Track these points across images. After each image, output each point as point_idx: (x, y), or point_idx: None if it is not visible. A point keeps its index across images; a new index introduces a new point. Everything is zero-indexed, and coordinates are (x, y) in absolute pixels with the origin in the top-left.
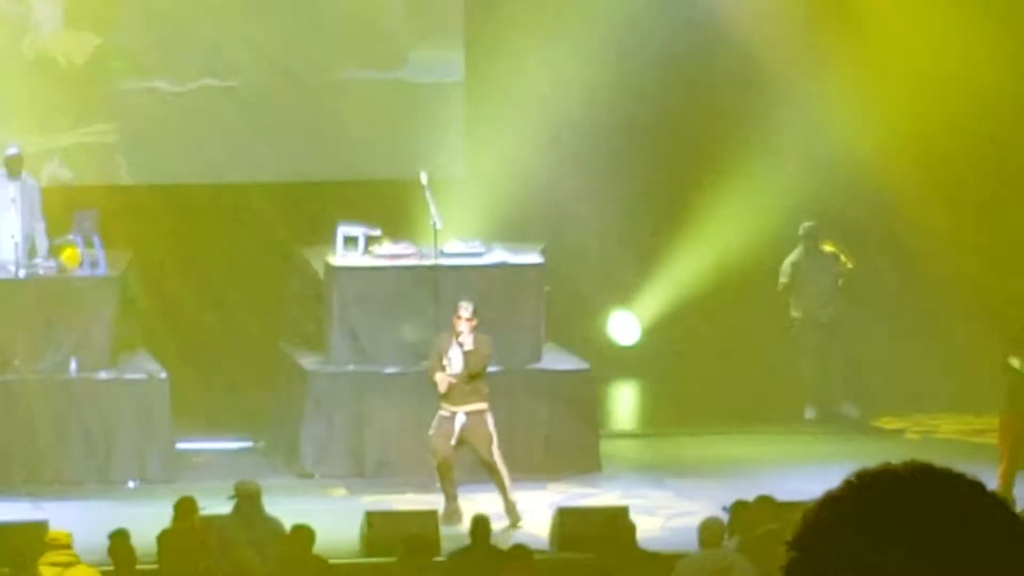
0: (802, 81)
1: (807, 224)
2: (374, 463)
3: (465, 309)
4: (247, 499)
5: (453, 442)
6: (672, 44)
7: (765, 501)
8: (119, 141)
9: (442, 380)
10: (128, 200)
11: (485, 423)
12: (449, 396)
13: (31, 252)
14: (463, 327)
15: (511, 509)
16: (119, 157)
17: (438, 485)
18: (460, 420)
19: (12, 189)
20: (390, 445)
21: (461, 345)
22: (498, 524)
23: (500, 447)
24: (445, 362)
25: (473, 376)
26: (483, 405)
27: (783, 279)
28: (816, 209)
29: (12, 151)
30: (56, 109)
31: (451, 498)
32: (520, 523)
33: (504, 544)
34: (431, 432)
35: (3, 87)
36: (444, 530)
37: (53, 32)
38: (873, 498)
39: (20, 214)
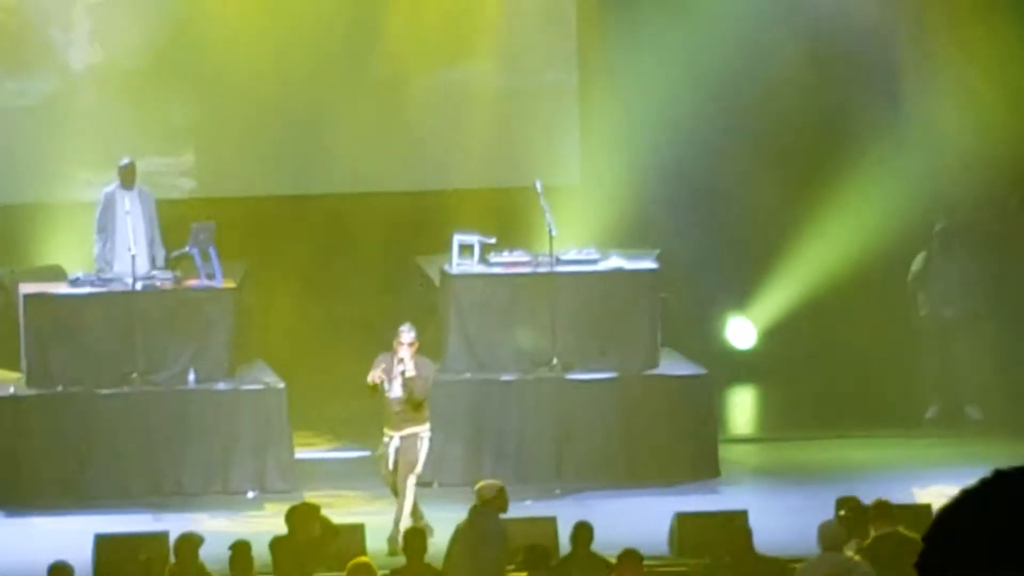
0: (929, 76)
1: (941, 223)
2: (491, 471)
3: (406, 334)
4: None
5: (391, 467)
6: (789, 43)
7: (883, 504)
8: (241, 154)
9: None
10: (245, 211)
11: (415, 447)
12: (391, 421)
13: (151, 262)
14: (404, 352)
15: (395, 537)
16: (240, 169)
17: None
18: (395, 444)
19: (127, 200)
20: (507, 453)
21: (404, 372)
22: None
23: (418, 472)
24: (385, 385)
25: (417, 403)
26: (420, 428)
27: (913, 277)
28: (943, 208)
29: (125, 162)
30: (182, 123)
31: (417, 517)
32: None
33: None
34: (374, 458)
35: (129, 101)
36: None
37: None
38: (1009, 496)
39: (136, 225)
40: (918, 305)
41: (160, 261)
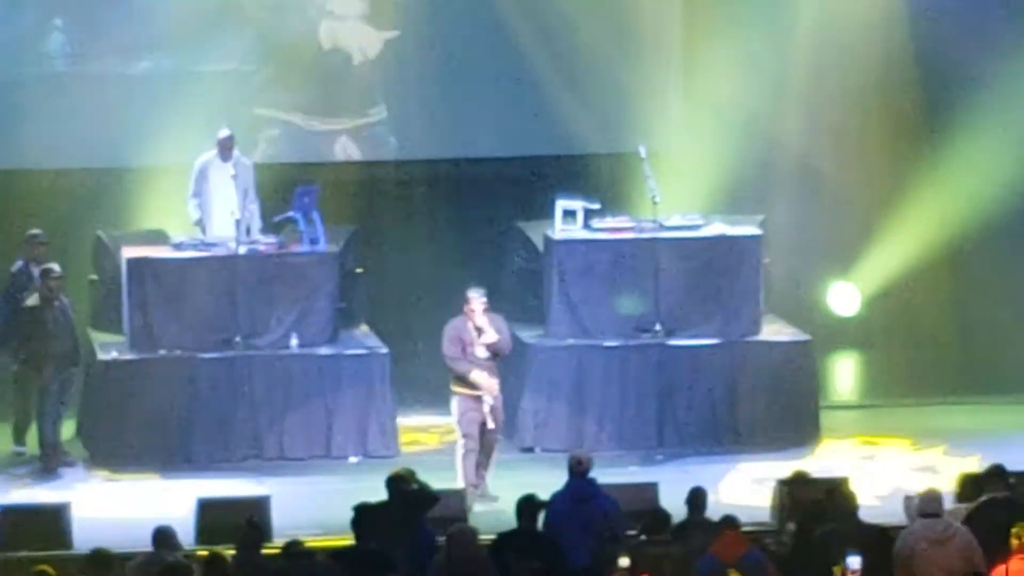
0: None
1: None
2: (594, 436)
3: (477, 299)
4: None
5: (479, 426)
6: (893, 7)
7: (993, 471)
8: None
9: (488, 385)
10: (349, 176)
11: (501, 406)
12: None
13: (247, 230)
14: (479, 318)
15: (484, 487)
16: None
17: (460, 469)
18: (488, 403)
19: (230, 168)
20: (610, 418)
21: (481, 332)
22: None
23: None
24: (461, 355)
25: (497, 357)
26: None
27: None
28: None
29: (225, 135)
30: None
31: (480, 479)
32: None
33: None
34: (456, 416)
35: (295, 69)
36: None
37: (355, 25)
38: None
39: (231, 195)
40: None
41: (257, 229)
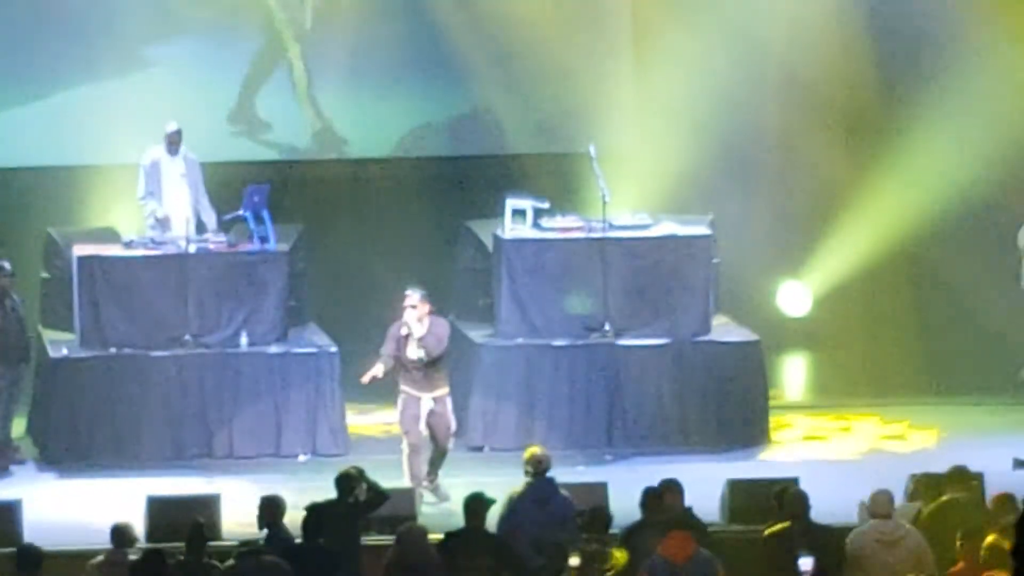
0: (987, 39)
1: None
2: (543, 436)
3: (411, 296)
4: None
5: (421, 426)
6: (845, 4)
7: (954, 471)
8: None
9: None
10: (298, 174)
11: (447, 408)
12: (415, 383)
13: (198, 227)
14: (409, 315)
15: (435, 481)
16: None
17: (406, 468)
18: (427, 405)
19: (180, 165)
20: (559, 418)
21: (412, 333)
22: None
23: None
24: (399, 353)
25: (433, 360)
26: (446, 390)
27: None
28: (996, 179)
29: (173, 129)
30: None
31: (429, 477)
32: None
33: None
34: (398, 415)
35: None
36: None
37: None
38: None
39: (182, 191)
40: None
41: (213, 225)
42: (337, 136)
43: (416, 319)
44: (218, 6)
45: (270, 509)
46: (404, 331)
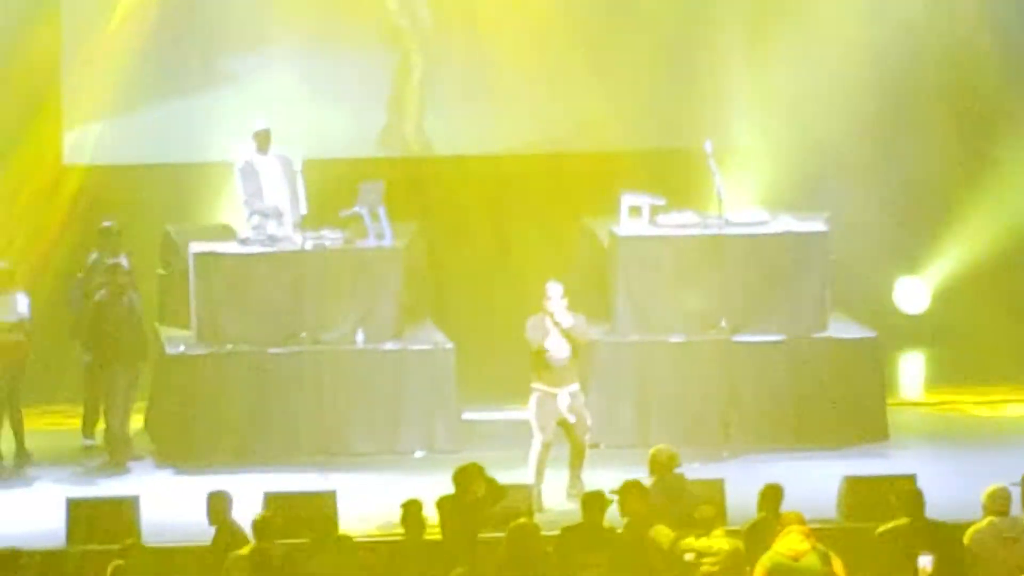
0: None
1: None
2: (659, 433)
3: (554, 289)
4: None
5: (555, 422)
6: (962, 5)
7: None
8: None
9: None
10: (414, 171)
11: (582, 404)
12: (555, 378)
13: (300, 224)
14: (555, 306)
15: (580, 486)
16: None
17: (534, 464)
18: (564, 400)
19: (275, 163)
20: (675, 415)
21: (559, 325)
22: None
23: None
24: (548, 346)
25: (578, 349)
26: (578, 384)
27: None
28: None
29: (260, 126)
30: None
31: (573, 483)
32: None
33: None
34: (533, 412)
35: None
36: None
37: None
38: None
39: (279, 189)
40: None
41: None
42: (452, 134)
43: (564, 310)
44: (335, 10)
45: (218, 505)
46: (554, 325)
